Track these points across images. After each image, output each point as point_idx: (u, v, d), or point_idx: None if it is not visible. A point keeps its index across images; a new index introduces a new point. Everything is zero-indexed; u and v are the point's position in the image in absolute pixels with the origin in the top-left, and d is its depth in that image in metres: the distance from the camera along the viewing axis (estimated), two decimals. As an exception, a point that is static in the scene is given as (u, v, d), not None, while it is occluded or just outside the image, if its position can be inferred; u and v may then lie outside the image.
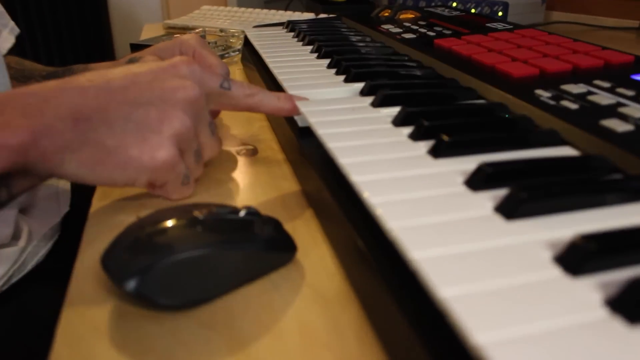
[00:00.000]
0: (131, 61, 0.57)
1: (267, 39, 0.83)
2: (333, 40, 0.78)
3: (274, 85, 0.64)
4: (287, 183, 0.50)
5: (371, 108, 0.49)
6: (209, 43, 0.97)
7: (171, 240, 0.33)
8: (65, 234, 0.62)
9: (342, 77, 0.59)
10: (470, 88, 0.54)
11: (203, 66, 0.46)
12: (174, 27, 1.31)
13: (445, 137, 0.38)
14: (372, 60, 0.65)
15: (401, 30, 0.82)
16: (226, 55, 0.98)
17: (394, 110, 0.47)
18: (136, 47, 1.02)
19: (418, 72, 0.60)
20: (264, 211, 0.38)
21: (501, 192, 0.31)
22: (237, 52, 1.00)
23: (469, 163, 0.35)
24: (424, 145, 0.40)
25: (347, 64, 0.60)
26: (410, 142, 0.41)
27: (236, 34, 1.06)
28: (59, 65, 0.76)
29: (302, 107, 0.49)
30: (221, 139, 0.50)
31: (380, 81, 0.54)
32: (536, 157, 0.37)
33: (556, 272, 0.25)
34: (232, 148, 0.58)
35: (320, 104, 0.50)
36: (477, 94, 0.53)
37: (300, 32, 0.84)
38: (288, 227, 0.39)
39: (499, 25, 0.78)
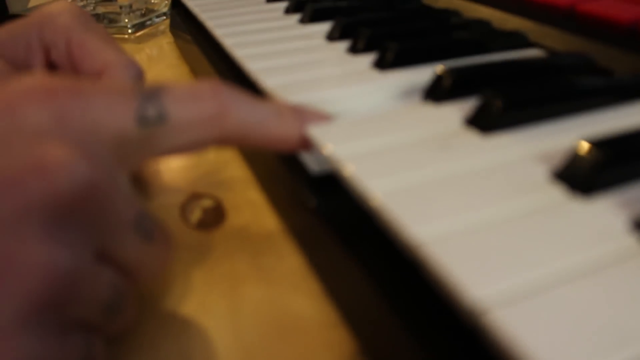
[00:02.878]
0: None
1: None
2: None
3: (232, 75, 0.37)
4: (305, 301, 0.24)
5: (477, 137, 0.23)
6: (121, 7, 0.67)
7: None
8: None
9: (367, 60, 0.31)
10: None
11: (87, 79, 0.20)
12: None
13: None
14: (413, 21, 0.38)
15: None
16: (148, 22, 0.68)
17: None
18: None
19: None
20: None
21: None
22: (163, 17, 0.70)
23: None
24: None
25: (373, 33, 0.33)
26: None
27: (159, -9, 0.75)
28: None
29: (327, 140, 0.22)
30: (168, 237, 0.23)
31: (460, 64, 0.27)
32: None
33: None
34: (174, 208, 0.31)
35: (358, 129, 0.23)
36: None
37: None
38: None
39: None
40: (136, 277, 0.21)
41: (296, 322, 0.23)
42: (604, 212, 0.18)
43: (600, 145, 0.19)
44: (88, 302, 0.18)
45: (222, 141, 0.22)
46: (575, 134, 0.23)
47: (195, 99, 0.21)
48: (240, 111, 0.22)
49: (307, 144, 0.23)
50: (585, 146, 0.19)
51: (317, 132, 0.23)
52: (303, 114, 0.24)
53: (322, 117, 0.24)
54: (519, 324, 0.13)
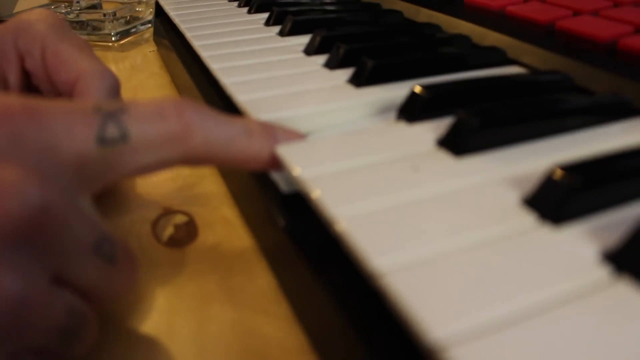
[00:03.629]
0: None
1: (188, 3, 0.53)
2: (305, 3, 0.49)
3: (212, 88, 0.36)
4: (274, 324, 0.23)
5: (454, 162, 0.22)
6: (104, 15, 0.66)
7: None
8: None
9: (344, 75, 0.31)
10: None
11: (46, 97, 0.19)
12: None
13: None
14: (392, 36, 0.37)
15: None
16: (132, 30, 0.68)
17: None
18: None
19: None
20: None
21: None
22: (148, 25, 0.70)
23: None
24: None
25: (350, 47, 0.32)
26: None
27: (144, -1, 0.75)
28: None
29: (296, 160, 0.22)
30: (133, 259, 0.22)
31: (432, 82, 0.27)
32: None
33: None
34: (146, 223, 0.30)
35: (328, 149, 0.23)
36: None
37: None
38: None
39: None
40: (97, 300, 0.20)
41: (263, 346, 0.22)
42: (574, 242, 0.17)
43: (572, 170, 0.19)
44: (42, 329, 0.17)
45: (188, 160, 0.22)
46: (549, 156, 0.22)
47: (158, 118, 0.20)
48: (205, 129, 0.21)
49: (277, 163, 0.23)
50: (556, 172, 0.19)
51: (286, 152, 0.22)
52: (274, 132, 0.23)
53: (293, 135, 0.24)
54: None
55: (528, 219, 0.18)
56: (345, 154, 0.22)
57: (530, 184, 0.20)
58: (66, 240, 0.18)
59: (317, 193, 0.19)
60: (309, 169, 0.21)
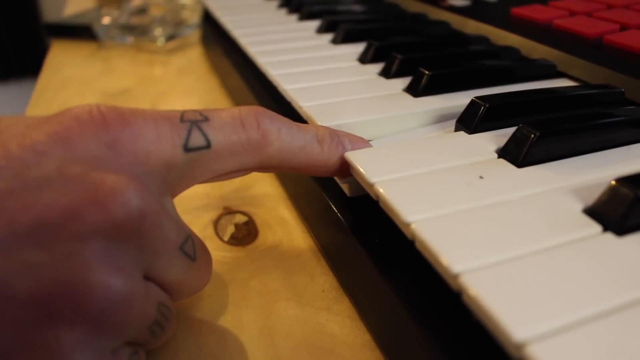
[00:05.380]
0: None
1: (239, 10, 0.55)
2: (354, 11, 0.51)
3: (266, 92, 0.38)
4: (337, 321, 0.24)
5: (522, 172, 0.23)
6: (153, 19, 0.68)
7: None
8: None
9: (400, 84, 0.32)
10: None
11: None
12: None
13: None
14: (444, 47, 0.39)
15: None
16: (178, 34, 0.70)
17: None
18: (54, 30, 0.73)
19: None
20: None
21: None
22: (194, 29, 0.72)
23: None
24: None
25: (406, 58, 0.33)
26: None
27: (189, 3, 0.77)
28: None
29: (365, 166, 0.23)
30: (209, 257, 0.24)
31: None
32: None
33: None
34: (207, 221, 0.32)
35: (394, 155, 0.24)
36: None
37: (289, -2, 0.57)
38: None
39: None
40: (177, 294, 0.22)
41: (329, 342, 0.24)
42: (638, 251, 0.18)
43: (634, 182, 0.20)
44: (139, 322, 0.19)
45: (263, 167, 0.23)
46: (607, 169, 0.23)
47: (239, 126, 0.22)
48: (281, 138, 0.23)
49: (344, 169, 0.24)
50: (618, 183, 0.20)
51: (356, 158, 0.23)
52: (342, 139, 0.25)
53: (359, 141, 0.25)
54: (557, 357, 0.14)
55: (593, 228, 0.19)
56: (412, 160, 0.23)
57: (590, 195, 0.21)
58: (158, 241, 0.19)
59: (391, 197, 0.21)
60: (380, 174, 0.22)
